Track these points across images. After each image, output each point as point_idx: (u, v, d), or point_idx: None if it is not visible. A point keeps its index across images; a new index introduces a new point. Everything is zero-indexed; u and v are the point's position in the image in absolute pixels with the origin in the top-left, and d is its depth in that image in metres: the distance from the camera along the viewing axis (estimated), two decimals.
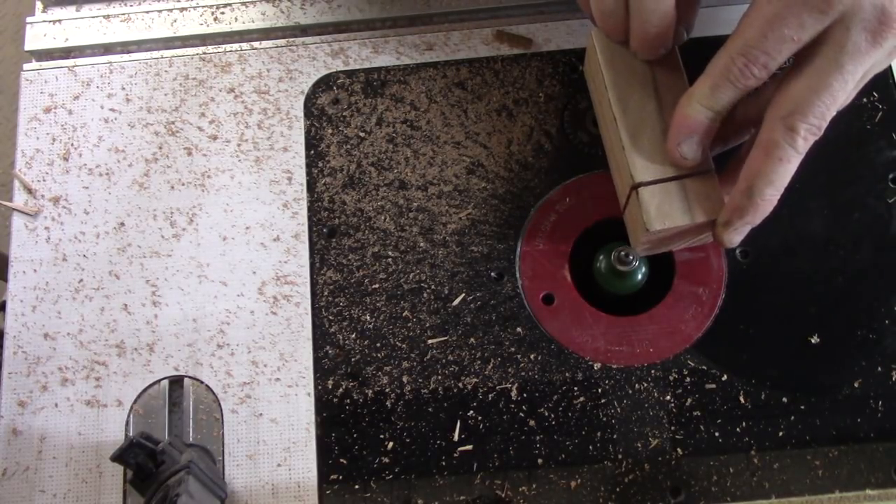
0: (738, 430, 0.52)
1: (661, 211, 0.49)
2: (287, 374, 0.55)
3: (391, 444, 0.53)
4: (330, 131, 0.59)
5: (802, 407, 0.53)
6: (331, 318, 0.55)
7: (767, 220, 0.48)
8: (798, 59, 0.46)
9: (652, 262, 0.55)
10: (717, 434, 0.52)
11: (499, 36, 0.61)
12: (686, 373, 0.53)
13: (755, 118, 0.49)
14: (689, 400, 0.53)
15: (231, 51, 0.62)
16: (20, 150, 0.60)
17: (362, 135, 0.59)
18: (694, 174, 0.49)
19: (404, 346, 0.54)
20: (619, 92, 0.51)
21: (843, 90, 0.44)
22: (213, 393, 0.54)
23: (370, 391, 0.54)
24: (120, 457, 0.47)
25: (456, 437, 0.53)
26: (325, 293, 0.56)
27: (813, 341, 0.54)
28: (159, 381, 0.55)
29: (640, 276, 0.54)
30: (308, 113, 0.60)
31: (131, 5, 0.65)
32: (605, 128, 0.54)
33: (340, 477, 0.52)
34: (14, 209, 0.59)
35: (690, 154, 0.48)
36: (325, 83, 0.61)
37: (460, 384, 0.54)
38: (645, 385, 0.53)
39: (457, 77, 0.60)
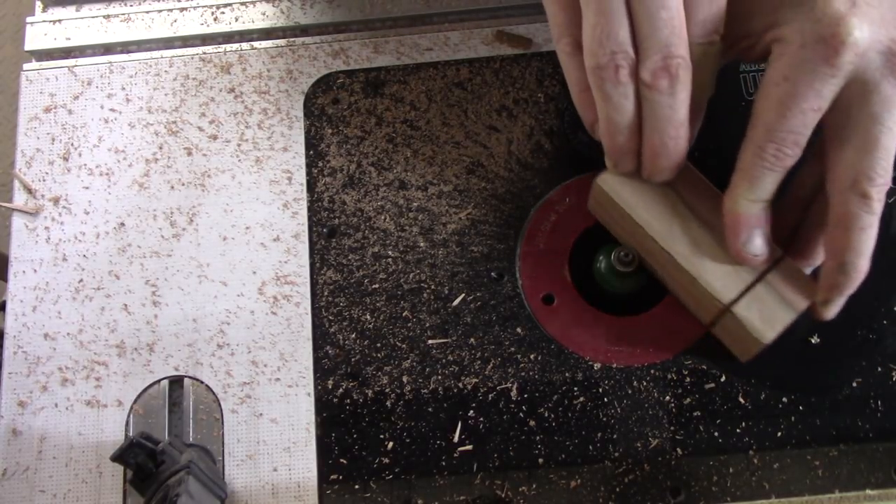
0: (737, 430, 0.52)
1: (765, 319, 0.48)
2: (287, 374, 0.55)
3: (391, 444, 0.53)
4: (330, 131, 0.59)
5: (802, 407, 0.53)
6: (331, 318, 0.55)
7: None
8: (832, 128, 0.45)
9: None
10: (716, 434, 0.52)
11: (499, 36, 0.61)
12: (686, 373, 0.53)
13: (809, 192, 0.49)
14: (689, 400, 0.53)
15: (231, 51, 0.62)
16: (20, 150, 0.60)
17: (362, 135, 0.59)
18: (771, 267, 0.48)
19: (404, 346, 0.55)
20: (657, 226, 0.49)
21: (892, 137, 0.43)
22: (213, 393, 0.54)
23: (370, 391, 0.54)
24: (120, 457, 0.47)
25: (456, 438, 0.53)
26: (325, 293, 0.56)
27: (813, 341, 0.54)
28: (159, 381, 0.55)
29: (640, 277, 0.54)
30: (308, 113, 0.60)
31: (131, 5, 0.65)
32: (653, 261, 0.52)
33: (340, 477, 0.52)
34: (14, 209, 0.59)
35: (759, 250, 0.47)
36: (325, 83, 0.61)
37: (460, 384, 0.54)
38: (645, 385, 0.53)
39: (457, 77, 0.60)
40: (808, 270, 0.50)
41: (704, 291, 0.48)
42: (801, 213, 0.50)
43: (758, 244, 0.47)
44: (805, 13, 0.43)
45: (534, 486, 0.52)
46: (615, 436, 0.52)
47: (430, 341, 0.55)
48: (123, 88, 0.61)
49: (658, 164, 0.47)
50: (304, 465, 0.53)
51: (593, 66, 0.45)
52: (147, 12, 0.64)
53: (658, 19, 0.43)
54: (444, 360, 0.54)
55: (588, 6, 0.45)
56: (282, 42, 0.62)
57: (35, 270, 0.57)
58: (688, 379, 0.53)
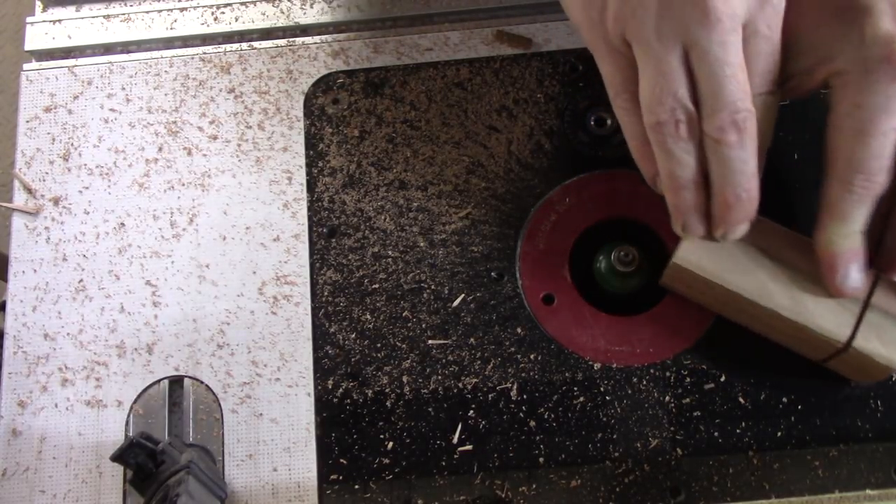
0: (737, 430, 0.52)
1: (889, 345, 0.47)
2: (287, 374, 0.55)
3: (391, 444, 0.53)
4: (330, 131, 0.59)
5: (802, 407, 0.53)
6: (331, 318, 0.55)
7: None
8: None
9: (652, 263, 0.55)
10: (716, 434, 0.52)
11: (499, 36, 0.61)
12: (686, 373, 0.53)
13: (886, 203, 0.47)
14: (689, 400, 0.53)
15: (231, 51, 0.62)
16: (20, 150, 0.60)
17: (362, 135, 0.59)
18: (872, 289, 0.48)
19: (404, 346, 0.54)
20: (750, 288, 0.48)
21: None
22: (213, 393, 0.54)
23: (370, 391, 0.54)
24: (120, 457, 0.47)
25: (456, 439, 0.53)
26: (325, 293, 0.56)
27: None
28: (159, 381, 0.55)
29: (640, 277, 0.54)
30: (308, 113, 0.60)
31: (131, 5, 0.65)
32: (750, 318, 0.51)
33: (340, 477, 0.52)
34: (15, 209, 0.59)
35: (858, 282, 0.46)
36: (325, 83, 0.61)
37: (460, 384, 0.54)
38: (645, 385, 0.53)
39: (457, 77, 0.60)
40: None
41: (817, 336, 0.48)
42: (882, 224, 0.49)
43: (856, 277, 0.46)
44: (855, 41, 0.43)
45: (534, 486, 0.52)
46: (615, 436, 0.52)
47: (430, 342, 0.55)
48: (123, 88, 0.61)
49: (733, 218, 0.46)
50: (304, 465, 0.53)
51: (653, 123, 0.45)
52: (147, 12, 0.64)
53: (723, 77, 0.43)
54: (444, 360, 0.54)
55: (646, 66, 0.44)
56: (282, 42, 0.62)
57: (35, 270, 0.57)
58: (688, 379, 0.53)
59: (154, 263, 0.57)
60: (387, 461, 0.52)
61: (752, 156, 0.44)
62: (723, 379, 0.53)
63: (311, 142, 0.59)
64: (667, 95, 0.44)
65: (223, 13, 0.64)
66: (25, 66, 0.63)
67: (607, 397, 0.53)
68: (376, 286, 0.56)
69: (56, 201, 0.59)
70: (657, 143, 0.46)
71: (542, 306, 0.55)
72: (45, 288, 0.57)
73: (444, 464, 0.52)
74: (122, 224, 0.58)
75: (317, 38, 0.62)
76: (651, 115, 0.45)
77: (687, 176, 0.46)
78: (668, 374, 0.53)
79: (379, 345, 0.55)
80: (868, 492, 0.51)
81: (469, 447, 0.52)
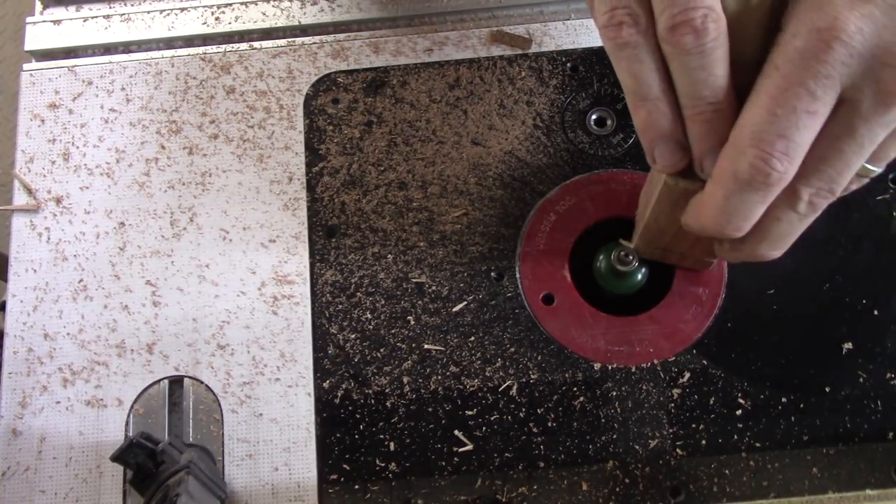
0: (737, 430, 0.52)
1: None
2: (287, 374, 0.55)
3: (391, 444, 0.53)
4: (330, 131, 0.59)
5: (802, 407, 0.53)
6: (331, 318, 0.55)
7: None
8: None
9: (652, 263, 0.55)
10: (717, 434, 0.52)
11: (498, 36, 0.61)
12: (686, 373, 0.53)
13: None
14: (689, 400, 0.53)
15: (231, 51, 0.62)
16: (20, 150, 0.60)
17: (362, 135, 0.59)
18: None
19: (404, 346, 0.55)
20: None
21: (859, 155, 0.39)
22: (213, 393, 0.54)
23: (370, 391, 0.54)
24: (120, 457, 0.47)
25: (456, 440, 0.53)
26: (325, 293, 0.56)
27: (813, 342, 0.54)
28: (159, 381, 0.55)
29: (639, 276, 0.54)
30: (308, 113, 0.60)
31: (131, 5, 0.65)
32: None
33: (340, 477, 0.52)
34: (15, 210, 0.59)
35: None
36: (325, 83, 0.61)
37: (460, 384, 0.54)
38: (645, 385, 0.53)
39: (456, 77, 0.60)
40: None
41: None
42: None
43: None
44: (808, 6, 0.38)
45: (534, 486, 0.52)
46: (615, 436, 0.52)
47: (426, 346, 0.55)
48: (123, 88, 0.61)
49: (702, 142, 0.40)
50: (304, 465, 0.53)
51: (599, 29, 0.40)
52: (147, 12, 0.64)
53: None
54: (443, 361, 0.54)
55: None
56: (282, 42, 0.62)
57: (35, 270, 0.57)
58: (688, 379, 0.53)
59: (154, 263, 0.57)
60: (387, 461, 0.52)
61: (719, 64, 0.38)
62: (723, 379, 0.53)
63: (311, 142, 0.59)
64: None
65: (223, 13, 0.64)
66: (26, 66, 0.63)
67: (607, 397, 0.53)
68: (376, 286, 0.56)
69: (57, 201, 0.59)
70: (608, 52, 0.40)
71: (542, 306, 0.55)
72: (45, 288, 0.57)
73: (444, 464, 0.52)
74: (122, 224, 0.58)
75: (317, 38, 0.62)
76: (597, 21, 0.39)
77: (643, 91, 0.39)
78: (668, 374, 0.53)
79: (379, 345, 0.55)
80: (868, 492, 0.51)
81: (469, 447, 0.52)
